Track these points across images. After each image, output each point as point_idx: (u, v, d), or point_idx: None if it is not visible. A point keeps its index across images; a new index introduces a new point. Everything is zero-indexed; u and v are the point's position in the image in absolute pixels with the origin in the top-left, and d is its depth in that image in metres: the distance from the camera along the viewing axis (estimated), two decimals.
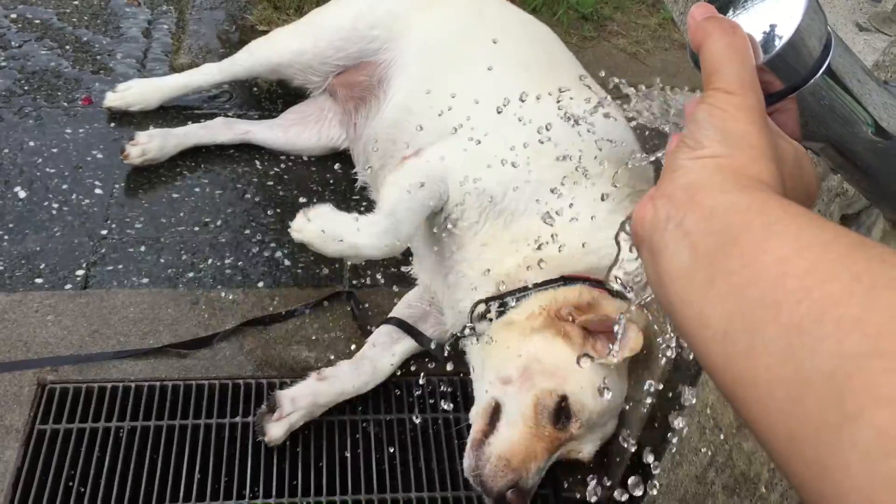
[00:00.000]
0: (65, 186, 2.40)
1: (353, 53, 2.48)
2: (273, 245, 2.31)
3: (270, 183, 2.54)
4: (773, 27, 0.75)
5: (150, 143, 2.46)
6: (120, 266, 2.18)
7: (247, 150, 2.63)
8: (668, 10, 3.31)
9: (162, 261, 2.22)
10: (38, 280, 2.12)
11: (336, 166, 2.59)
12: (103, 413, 1.83)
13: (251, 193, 2.48)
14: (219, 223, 2.36)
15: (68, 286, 2.12)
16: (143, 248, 2.24)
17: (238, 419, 1.85)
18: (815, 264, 0.52)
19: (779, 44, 0.74)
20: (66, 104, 2.70)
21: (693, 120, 0.70)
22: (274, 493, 1.76)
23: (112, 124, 2.65)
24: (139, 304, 2.07)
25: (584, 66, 3.20)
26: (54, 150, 2.51)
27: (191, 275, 2.20)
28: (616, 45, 3.37)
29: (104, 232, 2.27)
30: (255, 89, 2.88)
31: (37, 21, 3.07)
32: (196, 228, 2.33)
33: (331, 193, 2.52)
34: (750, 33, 0.76)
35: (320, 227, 1.73)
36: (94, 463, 1.75)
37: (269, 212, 2.42)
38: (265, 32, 2.93)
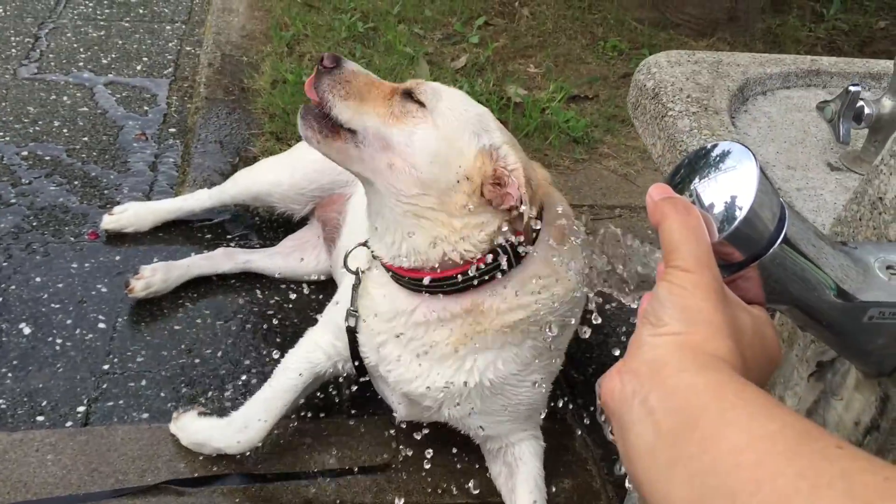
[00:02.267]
0: (69, 322, 2.44)
1: (325, 185, 2.64)
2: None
3: (270, 312, 2.58)
4: (730, 202, 0.81)
5: (154, 277, 2.53)
6: (121, 401, 2.21)
7: (248, 279, 2.70)
8: None
9: (162, 394, 2.24)
10: (40, 418, 2.14)
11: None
12: None
13: (251, 324, 2.53)
14: (219, 355, 2.39)
15: (69, 423, 2.13)
16: (143, 383, 2.27)
17: None
18: (763, 457, 0.57)
19: (736, 219, 0.79)
20: (72, 239, 2.78)
21: (655, 297, 0.75)
22: None
23: (117, 258, 2.72)
24: (139, 440, 2.09)
25: (577, 188, 3.31)
26: (60, 286, 2.57)
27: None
28: (607, 167, 3.48)
29: (106, 367, 2.30)
30: (257, 218, 2.96)
31: (47, 158, 3.20)
32: (197, 360, 2.36)
33: None
34: (705, 212, 0.82)
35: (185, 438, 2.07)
36: None
37: (269, 341, 2.46)
38: None
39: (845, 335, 0.89)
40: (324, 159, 2.58)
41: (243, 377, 2.33)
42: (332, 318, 2.06)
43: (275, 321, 2.55)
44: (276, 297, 2.64)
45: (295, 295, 2.66)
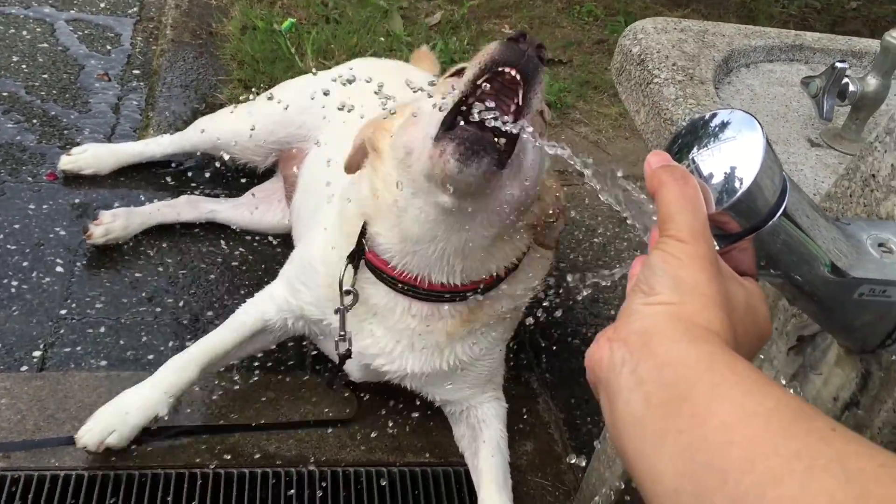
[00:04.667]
0: (25, 264, 2.37)
1: (283, 138, 2.59)
2: None
3: (235, 263, 2.54)
4: (730, 173, 0.79)
5: (114, 223, 2.46)
6: (78, 348, 2.15)
7: (212, 229, 2.64)
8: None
9: (122, 342, 2.19)
10: None
11: None
12: None
13: (215, 274, 2.48)
14: (181, 304, 2.35)
15: (24, 368, 2.08)
16: (102, 330, 2.22)
17: None
18: (757, 435, 0.56)
19: (738, 190, 0.78)
20: (30, 179, 2.69)
21: (648, 265, 0.74)
22: None
23: (76, 200, 2.64)
24: (96, 387, 2.04)
25: None
26: (16, 227, 2.49)
27: (150, 357, 2.17)
28: (578, 133, 3.47)
29: (63, 312, 2.24)
30: (222, 167, 2.89)
31: (4, 93, 3.08)
32: (158, 310, 2.31)
33: None
34: (703, 182, 0.80)
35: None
36: None
37: (232, 293, 2.42)
38: None
39: (834, 310, 0.89)
40: (282, 112, 2.55)
41: (206, 329, 2.28)
42: (286, 272, 2.04)
43: (239, 273, 2.51)
44: (241, 249, 2.59)
45: (260, 247, 2.61)
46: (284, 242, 2.64)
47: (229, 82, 3.33)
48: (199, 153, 2.79)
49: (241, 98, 3.21)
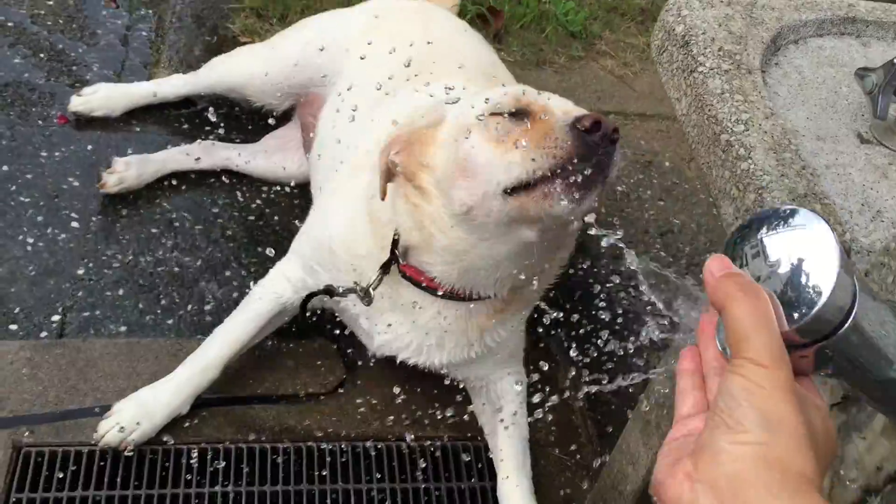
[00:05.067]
0: (40, 218, 2.33)
1: (301, 82, 2.47)
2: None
3: (252, 218, 2.49)
4: (802, 280, 0.74)
5: (128, 171, 2.40)
6: (97, 312, 2.13)
7: (228, 178, 2.57)
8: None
9: (140, 306, 2.17)
10: (13, 326, 2.07)
11: None
12: (80, 480, 1.79)
13: (232, 230, 2.43)
14: (199, 263, 2.31)
15: (44, 334, 2.07)
16: (121, 292, 2.19)
17: (218, 488, 1.83)
18: None
19: (814, 306, 0.72)
20: (40, 122, 2.61)
21: (728, 393, 0.69)
22: None
23: (89, 146, 2.57)
24: (116, 355, 2.03)
25: (571, 90, 3.17)
26: (28, 176, 2.43)
27: (170, 322, 2.16)
28: (604, 67, 3.33)
29: (81, 272, 2.22)
30: (237, 108, 2.80)
31: (10, 24, 2.96)
32: (176, 269, 2.28)
33: None
34: (770, 291, 0.74)
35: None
36: None
37: (250, 253, 2.37)
38: (248, 44, 2.88)
39: (891, 402, 0.85)
40: (300, 54, 2.45)
41: (225, 290, 2.26)
42: (301, 249, 1.98)
43: (256, 228, 2.46)
44: (258, 201, 2.53)
45: (277, 198, 2.55)
46: (302, 193, 2.58)
47: (241, 11, 3.19)
48: (213, 95, 2.70)
49: (253, 28, 3.10)
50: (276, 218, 2.50)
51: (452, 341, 1.74)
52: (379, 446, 1.98)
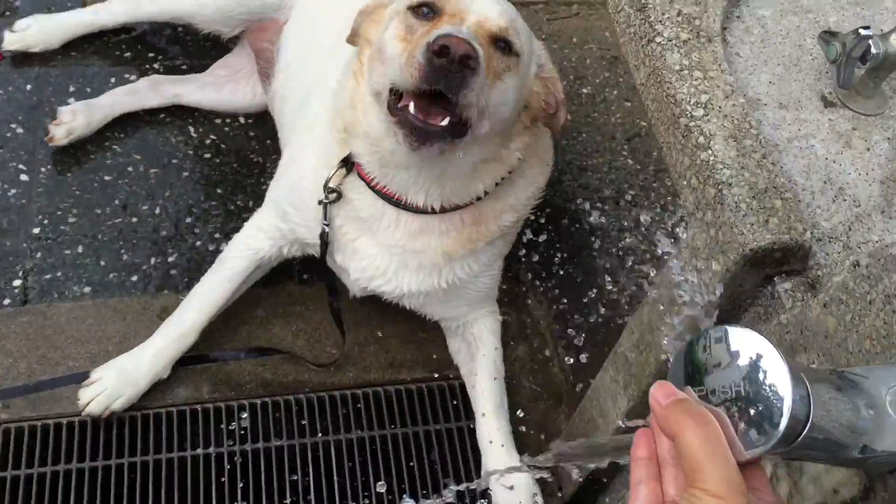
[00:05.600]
0: None
1: (254, 8, 2.36)
2: (217, 236, 2.23)
3: (207, 155, 2.42)
4: (757, 409, 0.75)
5: (76, 121, 2.31)
6: (59, 273, 2.11)
7: (178, 113, 2.49)
8: None
9: (102, 263, 2.14)
10: None
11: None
12: (62, 452, 1.83)
13: (188, 171, 2.37)
14: (157, 211, 2.26)
15: (7, 301, 2.04)
16: (80, 249, 2.15)
17: (199, 451, 1.88)
18: None
19: (770, 436, 0.74)
20: None
21: None
22: None
23: (29, 87, 2.45)
24: (84, 318, 2.03)
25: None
26: None
27: (134, 278, 2.13)
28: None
29: (37, 230, 2.17)
30: (180, 30, 2.66)
31: None
32: (134, 220, 2.23)
33: (272, 165, 2.41)
34: (720, 412, 0.76)
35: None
36: None
37: (209, 193, 2.33)
38: None
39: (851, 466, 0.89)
40: None
41: (187, 240, 2.23)
42: (273, 198, 1.95)
43: (213, 166, 2.40)
44: (212, 136, 2.46)
45: (232, 132, 2.48)
46: (257, 124, 2.51)
47: None
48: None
49: None
50: (231, 154, 2.43)
51: (416, 261, 1.76)
52: (356, 393, 2.03)
